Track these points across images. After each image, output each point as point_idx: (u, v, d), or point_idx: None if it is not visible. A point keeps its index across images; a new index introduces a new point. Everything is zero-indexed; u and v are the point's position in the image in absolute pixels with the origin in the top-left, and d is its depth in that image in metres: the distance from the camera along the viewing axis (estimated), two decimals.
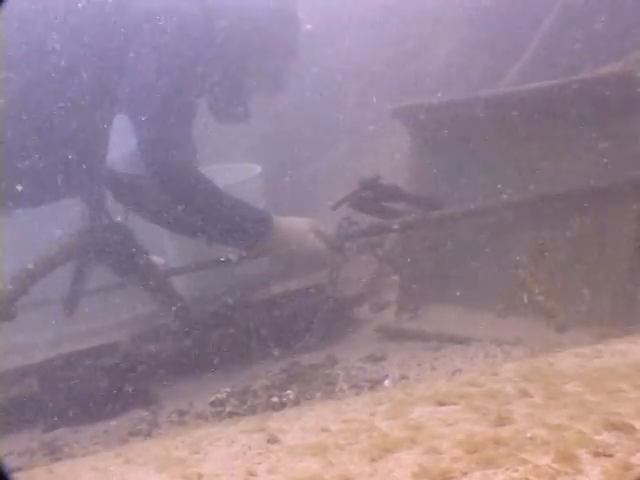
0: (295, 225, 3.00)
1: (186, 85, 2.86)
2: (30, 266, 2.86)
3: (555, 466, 1.17)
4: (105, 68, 2.86)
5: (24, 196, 2.89)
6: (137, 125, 2.88)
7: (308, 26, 3.28)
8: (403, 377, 2.33)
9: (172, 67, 2.81)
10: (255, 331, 2.82)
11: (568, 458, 1.18)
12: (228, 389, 2.51)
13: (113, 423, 2.53)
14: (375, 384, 2.32)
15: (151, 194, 2.97)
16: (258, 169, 3.57)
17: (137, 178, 2.99)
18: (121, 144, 3.15)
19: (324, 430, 1.56)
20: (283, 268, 3.12)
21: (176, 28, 2.81)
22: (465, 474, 1.19)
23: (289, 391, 2.37)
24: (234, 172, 3.59)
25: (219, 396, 2.46)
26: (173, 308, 3.01)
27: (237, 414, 2.30)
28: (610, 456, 1.19)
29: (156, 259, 3.15)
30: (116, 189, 3.08)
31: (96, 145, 2.98)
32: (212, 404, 2.43)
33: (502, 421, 1.40)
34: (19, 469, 2.12)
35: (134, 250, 2.94)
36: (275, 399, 2.34)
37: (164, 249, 3.39)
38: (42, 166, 2.84)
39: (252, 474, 1.37)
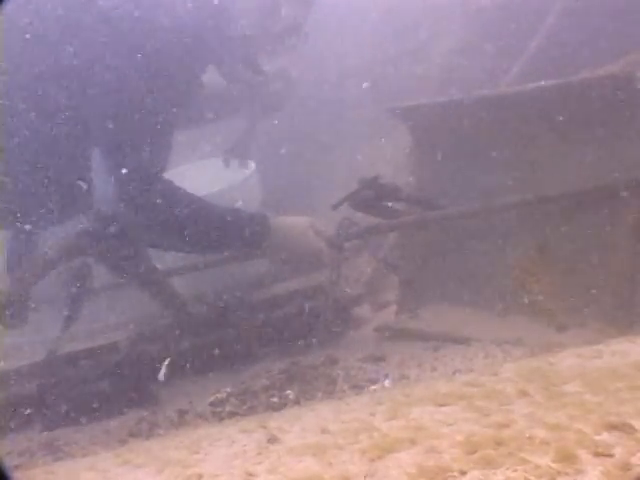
0: (292, 225, 2.97)
1: (164, 100, 2.70)
2: (30, 266, 2.86)
3: (555, 466, 1.17)
4: (77, 93, 2.69)
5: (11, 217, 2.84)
6: (109, 160, 2.75)
7: None
8: (403, 377, 2.33)
9: (147, 87, 2.64)
10: (255, 331, 2.82)
11: (568, 458, 1.18)
12: (228, 389, 2.51)
13: (113, 423, 2.53)
14: (375, 384, 2.32)
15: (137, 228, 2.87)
16: (252, 165, 3.56)
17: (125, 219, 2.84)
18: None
19: (324, 430, 1.56)
20: (283, 269, 3.11)
21: (156, 41, 2.66)
22: (465, 474, 1.19)
23: (289, 391, 2.37)
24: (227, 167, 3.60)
25: (219, 396, 2.46)
26: (173, 308, 3.01)
27: (237, 414, 2.30)
28: (610, 456, 1.19)
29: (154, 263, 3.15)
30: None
31: (76, 181, 2.83)
32: (212, 404, 2.43)
33: (502, 421, 1.40)
34: (19, 469, 2.12)
35: (133, 250, 2.94)
36: (275, 399, 2.34)
37: (162, 254, 3.38)
38: (24, 193, 2.75)
39: (252, 474, 1.37)
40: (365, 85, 3.90)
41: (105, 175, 2.82)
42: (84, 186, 2.84)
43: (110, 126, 2.69)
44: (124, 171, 2.70)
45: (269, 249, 2.91)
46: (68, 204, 2.85)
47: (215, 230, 2.80)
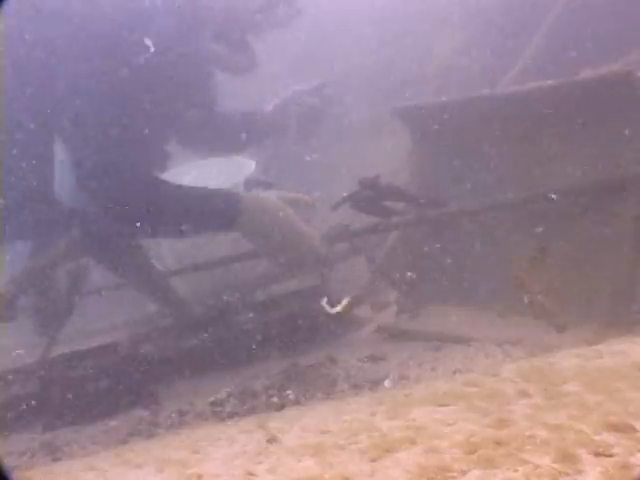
0: (267, 199, 2.80)
1: (136, 91, 2.58)
2: (30, 267, 2.86)
3: (555, 466, 1.17)
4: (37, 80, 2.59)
5: None
6: (73, 153, 2.64)
7: None
8: (403, 377, 2.33)
9: (115, 74, 2.51)
10: (255, 331, 2.82)
11: (568, 458, 1.18)
12: (228, 389, 2.51)
13: (113, 423, 2.53)
14: (375, 384, 2.32)
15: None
16: (252, 164, 3.55)
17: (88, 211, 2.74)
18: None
19: (324, 430, 1.56)
20: (264, 248, 2.88)
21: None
22: (465, 474, 1.19)
23: (289, 391, 2.37)
24: (227, 166, 3.58)
25: (219, 396, 2.46)
26: (173, 308, 3.01)
27: (237, 414, 2.30)
28: (610, 456, 1.19)
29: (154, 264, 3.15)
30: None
31: (38, 175, 2.72)
32: (212, 404, 2.43)
33: (502, 421, 1.40)
34: (19, 469, 2.12)
35: (134, 250, 2.94)
36: (275, 399, 2.34)
37: (161, 254, 3.39)
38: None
39: (252, 474, 1.37)
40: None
41: (67, 166, 2.72)
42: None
43: (74, 115, 2.58)
44: (86, 161, 2.59)
45: (244, 225, 2.75)
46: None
47: (183, 210, 2.68)
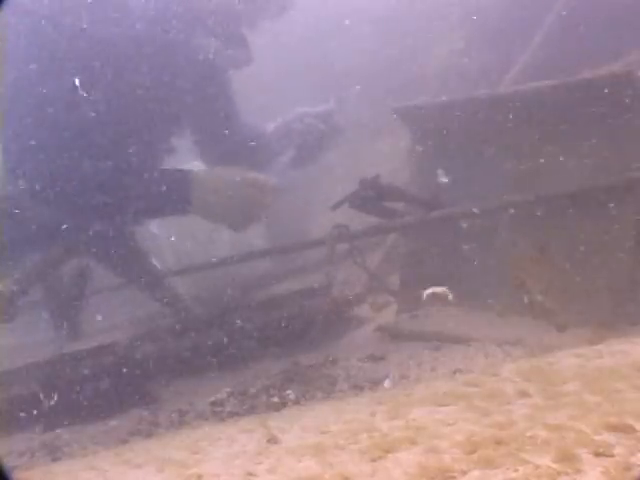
0: (220, 172, 2.77)
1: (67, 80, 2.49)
2: (31, 267, 2.86)
3: (555, 466, 1.17)
4: None
5: None
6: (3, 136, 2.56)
7: None
8: (403, 377, 2.33)
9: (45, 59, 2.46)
10: (255, 331, 2.82)
11: (568, 458, 1.18)
12: (228, 389, 2.51)
13: (113, 423, 2.53)
14: (375, 384, 2.32)
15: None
16: None
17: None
18: None
19: (324, 430, 1.56)
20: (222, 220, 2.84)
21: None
22: (465, 474, 1.19)
23: (289, 391, 2.37)
24: None
25: (219, 396, 2.46)
26: (173, 308, 3.01)
27: (237, 414, 2.30)
28: (610, 456, 1.19)
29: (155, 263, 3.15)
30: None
31: None
32: (212, 404, 2.43)
33: (502, 421, 1.40)
34: (19, 469, 2.12)
35: (134, 251, 2.93)
36: (275, 399, 2.34)
37: (162, 254, 3.38)
38: None
39: (252, 474, 1.37)
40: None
41: None
42: None
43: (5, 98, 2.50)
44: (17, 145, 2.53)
45: (200, 201, 2.69)
46: None
47: (134, 192, 2.61)
